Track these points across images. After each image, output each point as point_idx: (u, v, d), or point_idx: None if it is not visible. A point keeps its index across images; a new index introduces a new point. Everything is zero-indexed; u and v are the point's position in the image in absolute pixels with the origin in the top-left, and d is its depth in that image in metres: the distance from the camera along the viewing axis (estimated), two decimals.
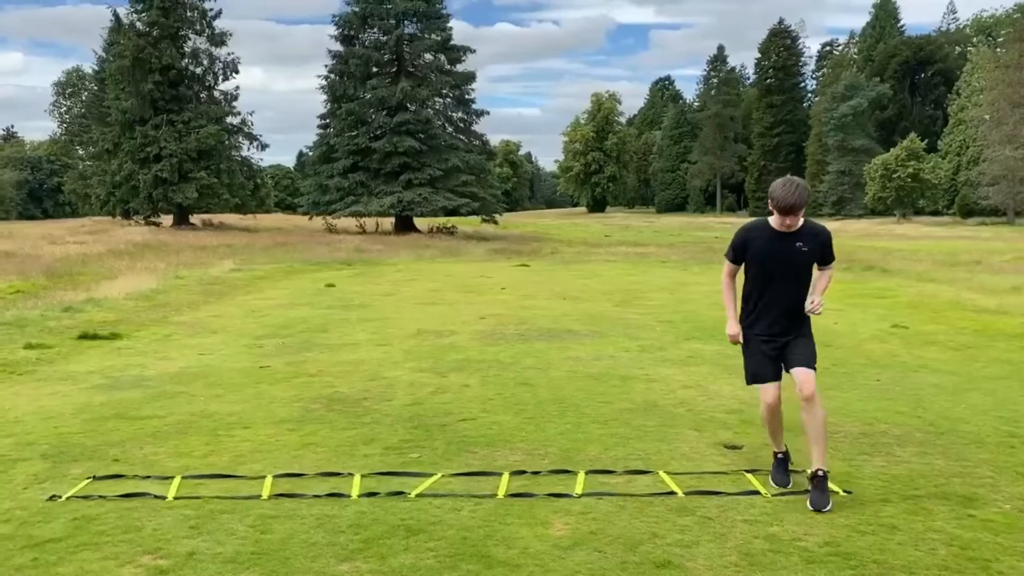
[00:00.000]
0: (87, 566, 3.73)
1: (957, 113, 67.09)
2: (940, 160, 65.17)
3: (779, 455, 4.83)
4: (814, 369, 4.58)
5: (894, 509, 4.41)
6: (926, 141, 63.77)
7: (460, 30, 41.94)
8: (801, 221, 4.59)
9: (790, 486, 4.57)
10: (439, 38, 42.27)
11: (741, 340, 4.80)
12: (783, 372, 4.68)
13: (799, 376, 4.53)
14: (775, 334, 4.67)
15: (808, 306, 4.57)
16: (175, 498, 4.58)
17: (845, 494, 4.62)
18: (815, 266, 4.72)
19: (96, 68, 57.21)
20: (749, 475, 4.94)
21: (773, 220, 4.61)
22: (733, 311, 4.87)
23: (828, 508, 4.35)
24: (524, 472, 5.02)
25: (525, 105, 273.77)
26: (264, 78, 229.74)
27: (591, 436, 5.82)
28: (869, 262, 23.07)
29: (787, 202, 4.43)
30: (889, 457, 5.34)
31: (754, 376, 4.74)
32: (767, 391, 4.66)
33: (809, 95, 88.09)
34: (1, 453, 5.47)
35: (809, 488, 4.49)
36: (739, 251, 4.74)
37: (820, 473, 4.47)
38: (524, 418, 6.32)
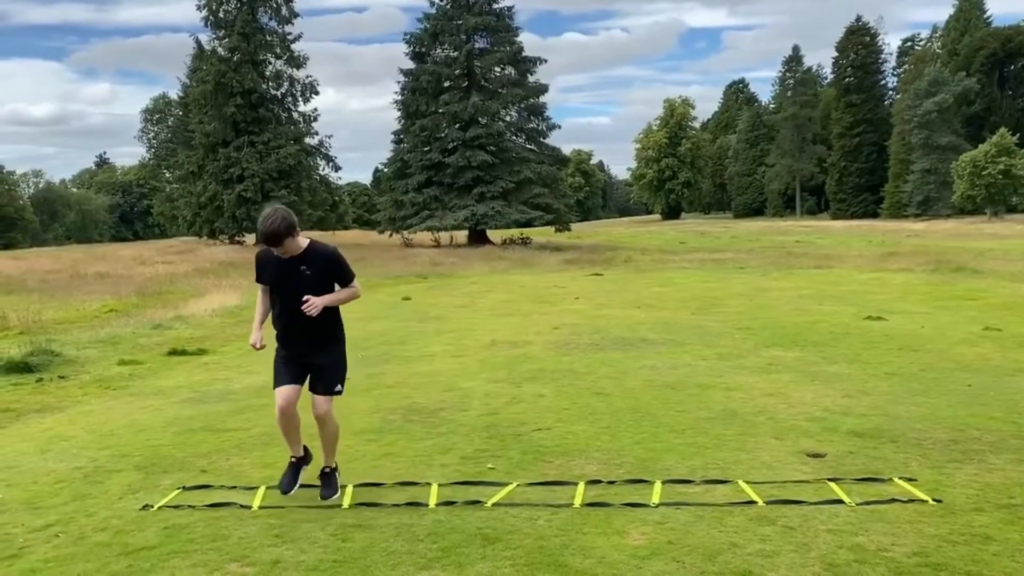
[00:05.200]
0: (178, 573, 3.87)
1: None
2: None
3: (293, 459, 4.97)
4: (332, 394, 4.86)
5: (988, 519, 4.23)
6: (1017, 136, 61.00)
7: (528, 41, 42.44)
8: (304, 244, 4.72)
9: (293, 492, 4.85)
10: (509, 51, 42.59)
11: (259, 347, 4.94)
12: (304, 384, 4.87)
13: (314, 400, 4.84)
14: (296, 355, 4.83)
15: (304, 304, 4.62)
16: (260, 507, 4.72)
17: (935, 503, 4.46)
18: (336, 286, 4.85)
19: (181, 94, 59.55)
20: (832, 484, 4.80)
21: None
22: (258, 321, 5.03)
23: (334, 496, 4.83)
24: (600, 481, 5.00)
25: (596, 114, 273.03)
26: (338, 98, 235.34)
27: (668, 445, 5.75)
28: (958, 263, 22.19)
29: (263, 234, 4.56)
30: (982, 464, 5.12)
31: (274, 381, 4.86)
32: (279, 394, 4.77)
33: (890, 93, 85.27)
34: (98, 465, 5.73)
35: (320, 483, 4.94)
36: (259, 274, 4.92)
37: (326, 470, 4.97)
38: (599, 428, 6.29)
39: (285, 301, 4.78)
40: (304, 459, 5.06)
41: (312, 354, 4.83)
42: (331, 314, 4.84)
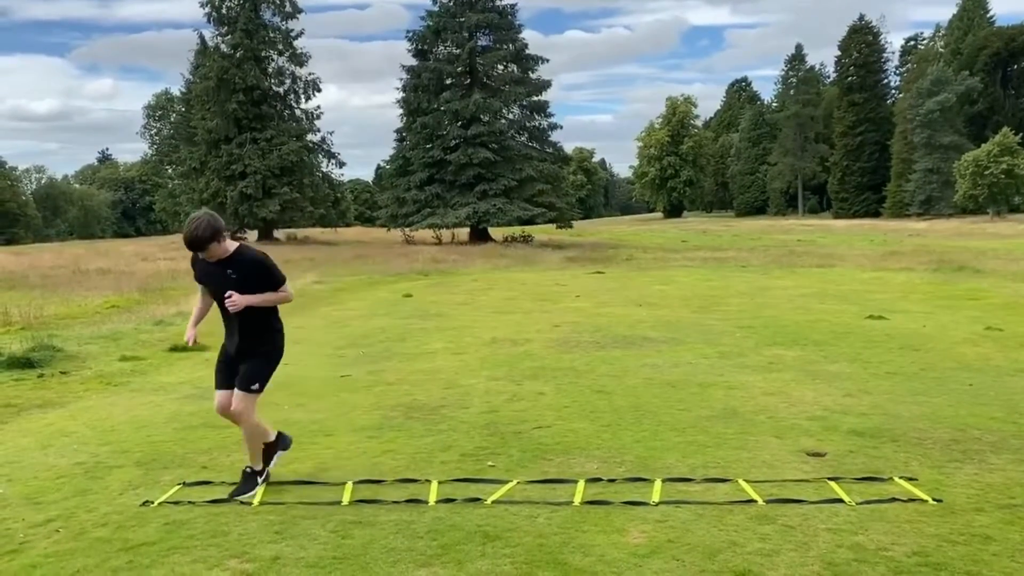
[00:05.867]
0: (178, 569, 3.88)
1: None
2: None
3: (264, 444, 5.02)
4: (245, 391, 4.84)
5: (988, 519, 4.23)
6: (1020, 135, 60.96)
7: (530, 39, 42.46)
8: (231, 249, 4.77)
9: (271, 465, 5.00)
10: (512, 48, 42.57)
11: (191, 343, 5.18)
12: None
13: (231, 395, 4.89)
14: (229, 351, 4.95)
15: (228, 302, 4.69)
16: (260, 504, 4.72)
17: (935, 502, 4.46)
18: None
19: (183, 90, 59.54)
20: (832, 483, 4.80)
21: None
22: (194, 319, 5.17)
23: (246, 495, 4.76)
24: (600, 480, 5.00)
25: (598, 112, 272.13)
26: (340, 95, 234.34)
27: (668, 444, 5.75)
28: (960, 262, 22.18)
29: (185, 239, 4.63)
30: (982, 464, 5.12)
31: (214, 382, 5.03)
32: (215, 397, 4.99)
33: (893, 92, 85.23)
34: (99, 460, 5.73)
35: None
36: (193, 271, 5.02)
37: (247, 469, 4.96)
38: (600, 426, 6.29)
39: (216, 299, 4.87)
40: (277, 442, 5.11)
41: (240, 352, 4.91)
42: (261, 316, 4.86)
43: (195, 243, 4.61)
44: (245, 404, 4.83)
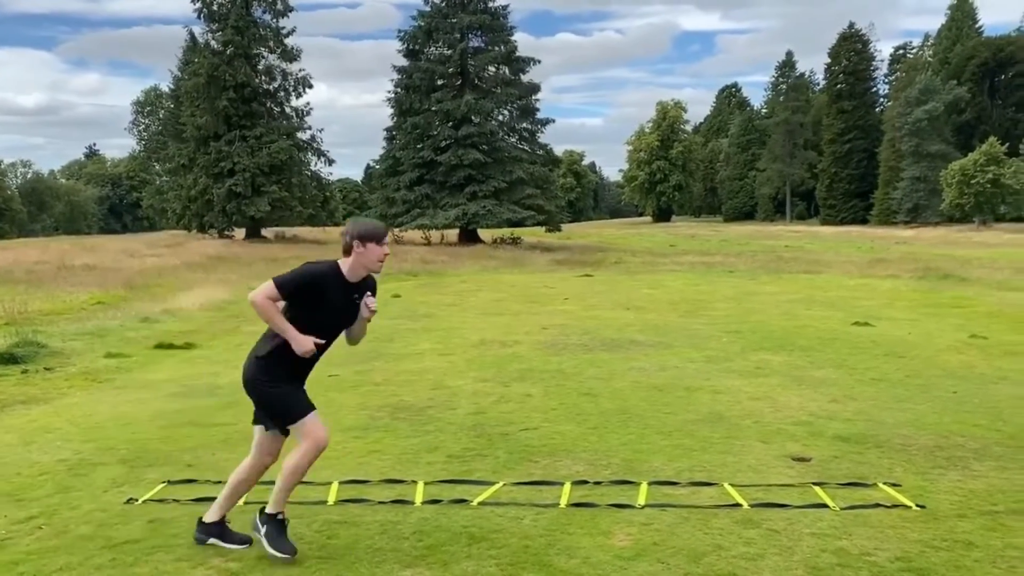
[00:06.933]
0: (162, 567, 3.86)
1: None
2: (1023, 164, 62.62)
3: (286, 517, 4.14)
4: None
5: (970, 525, 4.27)
6: (1007, 145, 61.38)
7: (521, 41, 42.29)
8: None
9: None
10: (503, 50, 42.57)
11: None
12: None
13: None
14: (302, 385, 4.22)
15: (371, 305, 4.08)
16: (245, 503, 4.69)
17: (918, 508, 4.49)
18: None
19: (172, 87, 59.22)
20: (817, 488, 4.83)
21: (350, 267, 4.02)
22: (290, 325, 3.95)
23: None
24: (586, 482, 5.01)
25: (588, 115, 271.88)
26: (330, 94, 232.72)
27: (654, 447, 5.77)
28: (946, 270, 22.31)
29: (384, 232, 4.05)
30: (965, 471, 5.16)
31: (301, 409, 4.13)
32: (321, 423, 4.14)
33: (882, 100, 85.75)
34: (83, 457, 5.70)
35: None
36: (315, 296, 3.95)
37: (281, 517, 4.11)
38: (586, 428, 6.30)
39: (331, 330, 4.07)
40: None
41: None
42: None
43: (385, 235, 4.06)
44: None
